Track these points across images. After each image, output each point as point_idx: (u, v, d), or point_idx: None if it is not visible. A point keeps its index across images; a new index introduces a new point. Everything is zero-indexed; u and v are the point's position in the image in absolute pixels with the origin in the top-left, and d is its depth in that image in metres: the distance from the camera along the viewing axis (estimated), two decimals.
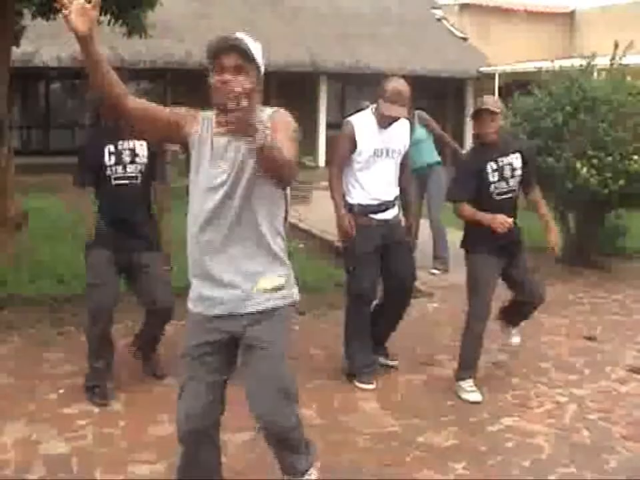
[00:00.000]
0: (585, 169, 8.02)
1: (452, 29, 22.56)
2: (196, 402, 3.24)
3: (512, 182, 5.23)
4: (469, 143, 20.02)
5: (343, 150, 5.40)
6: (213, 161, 3.11)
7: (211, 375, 3.25)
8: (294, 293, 3.27)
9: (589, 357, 6.16)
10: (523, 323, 5.93)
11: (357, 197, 5.43)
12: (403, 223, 5.67)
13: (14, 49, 8.95)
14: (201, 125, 3.15)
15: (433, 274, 8.75)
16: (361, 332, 5.58)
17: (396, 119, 5.36)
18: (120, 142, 4.98)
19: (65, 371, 5.53)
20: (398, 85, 5.35)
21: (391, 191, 5.52)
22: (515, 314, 5.79)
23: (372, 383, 5.45)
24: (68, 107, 20.73)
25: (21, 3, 8.88)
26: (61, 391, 5.17)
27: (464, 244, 5.43)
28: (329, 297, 7.52)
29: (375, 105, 5.43)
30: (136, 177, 5.01)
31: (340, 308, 6.80)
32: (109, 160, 4.95)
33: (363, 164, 5.39)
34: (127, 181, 4.98)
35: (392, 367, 5.81)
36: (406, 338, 6.37)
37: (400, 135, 5.53)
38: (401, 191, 5.65)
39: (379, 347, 5.80)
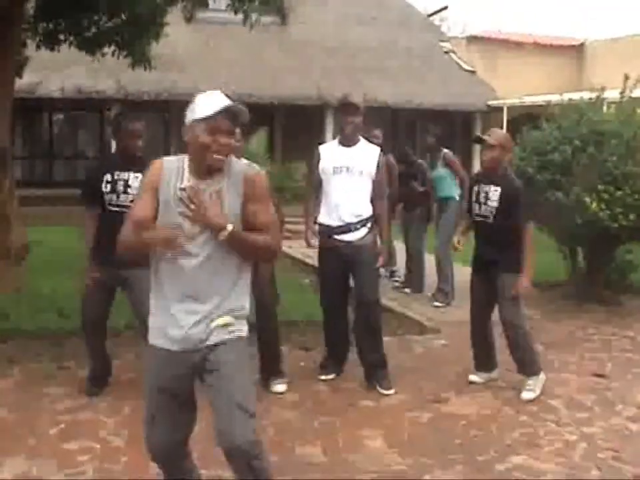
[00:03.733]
0: (594, 204, 8.05)
1: (460, 61, 22.69)
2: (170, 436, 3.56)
3: (483, 208, 5.94)
4: None
5: (313, 170, 6.15)
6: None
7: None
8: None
9: (599, 394, 6.14)
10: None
11: (322, 217, 6.05)
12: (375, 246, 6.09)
13: (17, 79, 9.04)
14: (165, 180, 3.35)
15: (436, 307, 8.82)
16: (330, 338, 6.31)
17: (351, 123, 5.96)
18: (117, 172, 5.51)
19: (65, 406, 5.55)
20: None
21: (356, 213, 5.91)
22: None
23: (330, 374, 6.22)
24: (72, 138, 20.90)
25: (25, 32, 8.99)
26: (62, 426, 5.17)
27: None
28: None
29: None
30: (127, 206, 5.16)
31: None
32: (105, 187, 5.50)
33: (325, 182, 6.02)
34: (119, 209, 5.38)
35: (386, 395, 5.97)
36: (412, 374, 6.37)
37: (365, 157, 6.00)
38: (375, 216, 6.02)
39: (372, 374, 6.12)
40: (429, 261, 9.50)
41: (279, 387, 5.96)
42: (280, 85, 18.79)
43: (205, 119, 3.21)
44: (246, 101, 16.02)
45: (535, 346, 6.25)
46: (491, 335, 6.27)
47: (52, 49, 9.46)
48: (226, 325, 3.38)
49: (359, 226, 5.92)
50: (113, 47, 9.39)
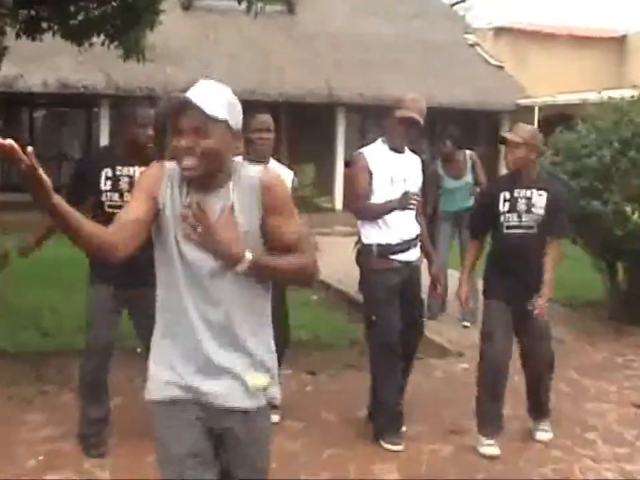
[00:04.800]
0: (636, 214, 8.02)
1: (486, 55, 22.72)
2: None
3: (526, 218, 5.47)
4: None
5: (363, 181, 5.58)
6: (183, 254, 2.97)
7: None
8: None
9: None
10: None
11: (375, 235, 5.59)
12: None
13: None
14: (167, 191, 2.97)
15: (465, 327, 8.83)
16: (392, 387, 5.64)
17: (412, 123, 5.58)
18: (119, 167, 5.12)
19: (45, 435, 5.54)
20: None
21: (413, 227, 5.68)
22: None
23: (400, 444, 5.54)
24: (54, 137, 20.96)
25: (4, 19, 8.99)
26: (40, 458, 5.16)
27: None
28: (344, 355, 7.52)
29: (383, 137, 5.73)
30: None
31: (356, 367, 6.80)
32: (104, 185, 5.11)
33: (381, 193, 5.55)
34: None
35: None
36: (432, 402, 6.37)
37: (414, 167, 5.77)
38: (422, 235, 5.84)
39: None
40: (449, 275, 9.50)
41: (272, 417, 5.90)
42: (286, 80, 18.87)
43: (170, 119, 2.88)
44: (249, 98, 16.16)
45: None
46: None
47: (34, 39, 9.48)
48: (264, 388, 3.06)
49: (417, 242, 5.71)
50: (102, 37, 9.39)
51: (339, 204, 19.59)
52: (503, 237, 5.55)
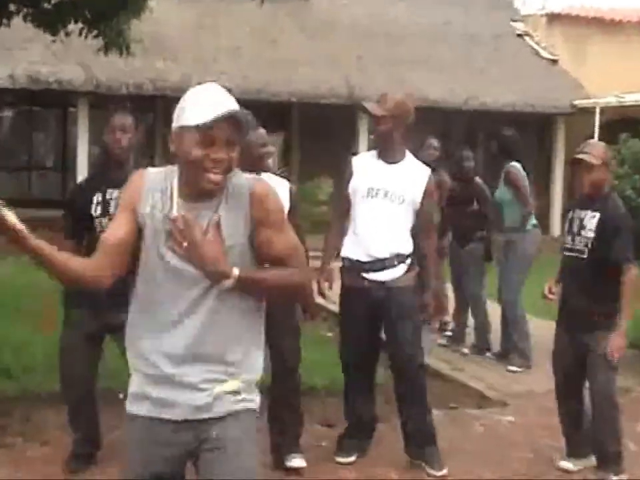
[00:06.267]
0: None
1: (537, 47, 22.71)
2: None
3: (577, 240, 5.95)
4: (557, 198, 20.21)
5: (341, 189, 6.18)
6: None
7: None
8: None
9: None
10: None
11: (348, 249, 6.11)
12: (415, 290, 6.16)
13: None
14: (148, 201, 3.33)
15: (512, 371, 8.81)
16: (351, 406, 6.37)
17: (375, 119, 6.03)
18: (109, 190, 5.59)
19: None
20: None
21: (392, 247, 5.99)
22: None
23: (351, 456, 6.22)
24: (23, 142, 21.00)
25: None
26: None
27: None
28: None
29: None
30: None
31: (381, 418, 6.77)
32: (95, 210, 5.61)
33: (356, 205, 6.05)
34: None
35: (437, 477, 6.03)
36: (468, 460, 6.35)
37: (411, 179, 6.06)
38: (420, 257, 6.14)
39: (416, 453, 6.16)
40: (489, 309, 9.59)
41: (297, 461, 5.96)
42: (299, 78, 18.85)
43: (197, 127, 3.14)
44: (255, 98, 16.17)
45: (622, 433, 6.17)
46: (583, 409, 6.24)
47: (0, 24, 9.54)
48: (234, 393, 3.37)
49: (395, 262, 5.99)
50: (79, 24, 9.43)
51: None
52: (562, 260, 6.16)
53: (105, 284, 3.28)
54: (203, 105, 3.18)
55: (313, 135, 20.02)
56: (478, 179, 9.70)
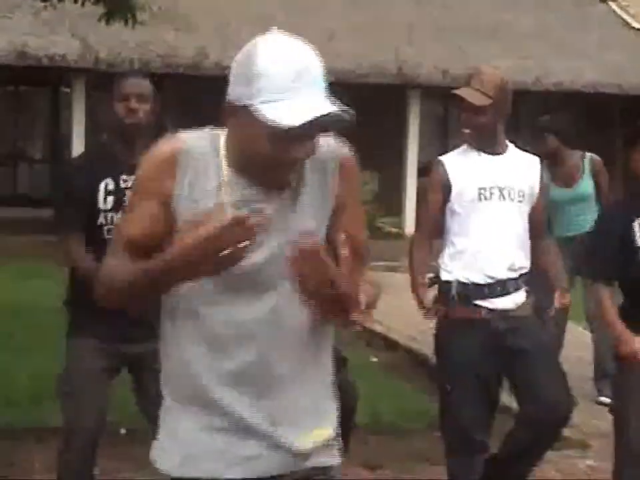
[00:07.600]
0: None
1: (625, 15, 22.70)
2: None
3: None
4: None
5: (432, 202, 5.71)
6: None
7: None
8: None
9: None
10: None
11: (451, 270, 5.63)
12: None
13: None
14: (190, 184, 2.88)
15: (602, 404, 8.60)
16: None
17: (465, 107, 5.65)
18: (123, 176, 5.12)
19: None
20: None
21: (516, 263, 5.63)
22: None
23: None
24: (8, 127, 21.13)
25: None
26: None
27: None
28: (418, 443, 7.52)
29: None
30: None
31: (431, 460, 6.76)
32: (104, 202, 5.13)
33: (462, 215, 5.61)
34: None
35: None
36: None
37: (523, 171, 5.74)
38: (539, 270, 5.83)
39: None
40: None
41: None
42: (339, 52, 18.87)
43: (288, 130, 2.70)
44: None
45: None
46: None
47: None
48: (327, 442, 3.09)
49: (520, 283, 5.66)
50: None
51: (409, 227, 19.48)
52: (636, 284, 5.45)
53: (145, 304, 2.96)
54: (296, 98, 2.72)
55: (355, 121, 19.95)
56: None
